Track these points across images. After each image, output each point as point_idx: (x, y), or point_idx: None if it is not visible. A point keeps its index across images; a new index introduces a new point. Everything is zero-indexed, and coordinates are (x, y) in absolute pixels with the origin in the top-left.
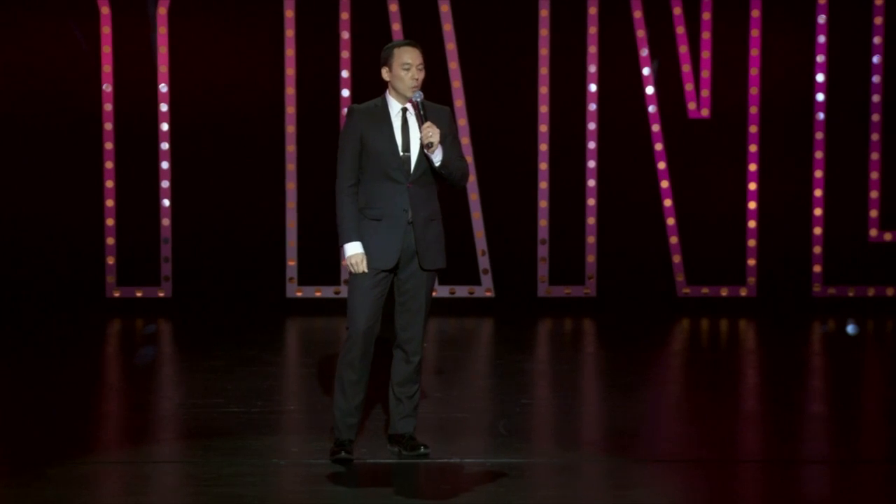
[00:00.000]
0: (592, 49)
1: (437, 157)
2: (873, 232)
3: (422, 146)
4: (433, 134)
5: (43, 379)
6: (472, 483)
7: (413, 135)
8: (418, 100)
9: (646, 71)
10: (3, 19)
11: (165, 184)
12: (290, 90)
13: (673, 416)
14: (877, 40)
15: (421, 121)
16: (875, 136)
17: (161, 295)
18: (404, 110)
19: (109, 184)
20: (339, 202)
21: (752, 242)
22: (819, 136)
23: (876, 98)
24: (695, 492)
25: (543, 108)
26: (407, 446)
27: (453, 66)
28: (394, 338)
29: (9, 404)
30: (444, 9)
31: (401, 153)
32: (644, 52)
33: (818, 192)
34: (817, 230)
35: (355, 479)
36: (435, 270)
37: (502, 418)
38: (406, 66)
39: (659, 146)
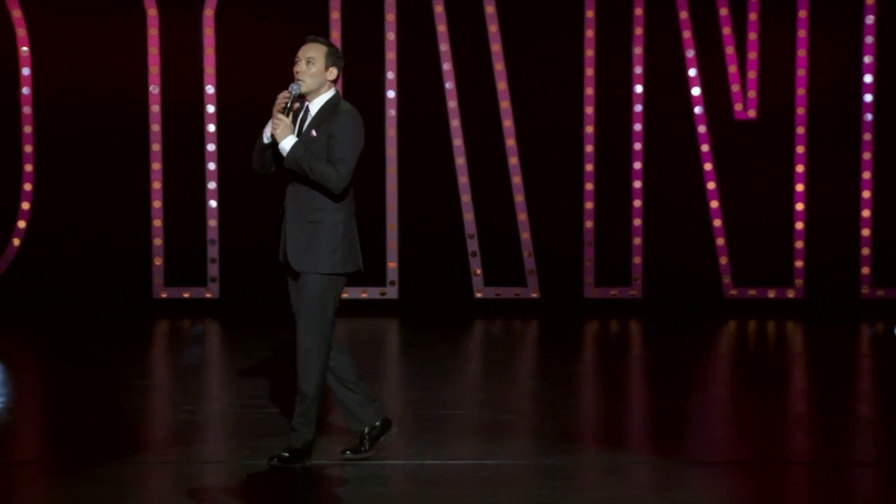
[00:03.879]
0: (638, 50)
1: (283, 150)
2: None
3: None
4: (275, 126)
5: (91, 380)
6: (518, 484)
7: (302, 129)
8: (294, 92)
9: (692, 72)
10: (50, 22)
11: (212, 185)
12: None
13: (719, 417)
14: None
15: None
16: None
17: (208, 296)
18: (307, 107)
19: (156, 185)
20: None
21: (799, 244)
22: (867, 137)
23: None
24: (741, 494)
25: (589, 110)
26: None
27: (499, 67)
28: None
29: (58, 405)
30: (490, 10)
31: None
32: (690, 53)
33: (866, 194)
34: (865, 232)
35: (401, 480)
36: (312, 275)
37: (548, 420)
38: (297, 59)
39: (705, 147)
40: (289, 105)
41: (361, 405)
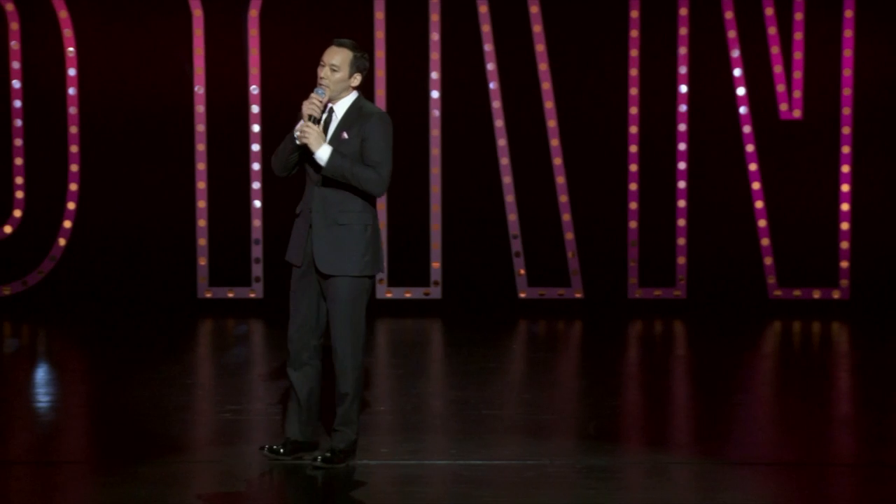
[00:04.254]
0: (683, 50)
1: (320, 159)
2: None
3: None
4: (306, 135)
5: (136, 379)
6: (561, 485)
7: (330, 134)
8: (321, 96)
9: (737, 72)
10: (96, 23)
11: (256, 185)
12: (380, 92)
13: (763, 419)
14: None
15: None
16: None
17: (252, 296)
18: (331, 109)
19: (201, 185)
20: (274, 156)
21: (844, 244)
22: None
23: None
24: (785, 496)
25: (633, 110)
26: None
27: (543, 67)
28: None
29: (103, 404)
30: (534, 10)
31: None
32: (735, 52)
33: None
34: None
35: (444, 479)
36: (343, 278)
37: (592, 420)
38: (321, 63)
39: (750, 148)
40: (318, 115)
41: (299, 415)
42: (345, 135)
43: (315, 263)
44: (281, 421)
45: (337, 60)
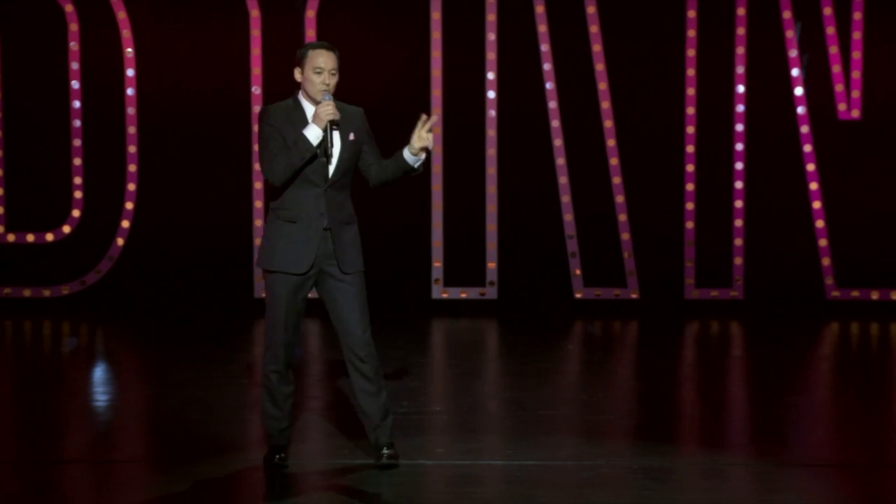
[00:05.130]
0: (740, 50)
1: (417, 162)
2: None
3: (338, 143)
4: (427, 139)
5: (192, 378)
6: (617, 486)
7: (335, 140)
8: (330, 100)
9: (795, 72)
10: (155, 23)
11: None
12: (437, 92)
13: (821, 420)
14: None
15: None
16: None
17: (308, 296)
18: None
19: (258, 185)
20: (275, 167)
21: None
22: None
23: None
24: (843, 498)
25: (690, 110)
26: (379, 456)
27: (599, 67)
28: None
29: (160, 403)
30: (591, 10)
31: (320, 157)
32: (793, 52)
33: None
34: None
35: (500, 480)
36: (359, 273)
37: (648, 421)
38: (318, 70)
39: (808, 148)
40: (338, 120)
41: (279, 419)
42: (352, 136)
43: (339, 264)
44: (339, 420)
45: (334, 64)
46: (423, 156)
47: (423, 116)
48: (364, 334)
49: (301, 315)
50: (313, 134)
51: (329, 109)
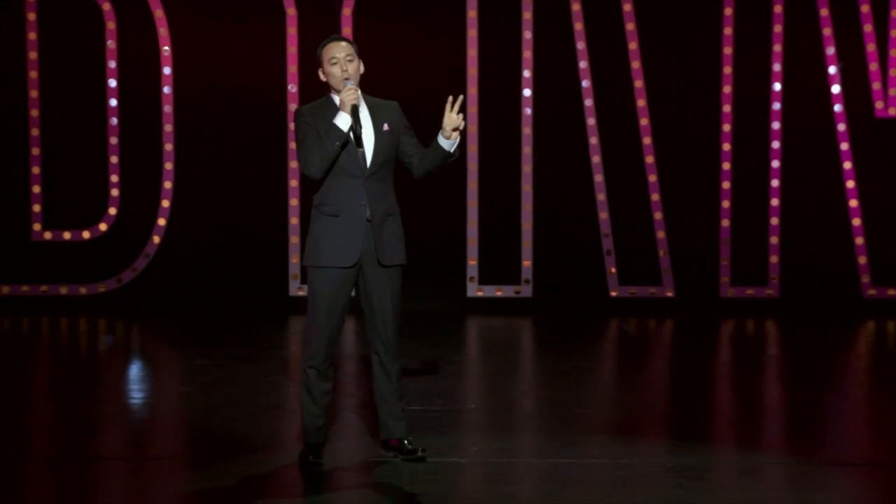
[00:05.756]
0: (777, 47)
1: (453, 146)
2: None
3: (373, 132)
4: (457, 119)
5: (228, 376)
6: (652, 484)
7: (366, 129)
8: (353, 85)
9: (832, 70)
10: (191, 21)
11: None
12: (472, 90)
13: (857, 419)
14: None
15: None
16: None
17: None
18: (355, 106)
19: (293, 183)
20: (311, 157)
21: None
22: None
23: None
24: (879, 497)
25: (727, 108)
26: (403, 450)
27: (636, 65)
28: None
29: (195, 400)
30: (627, 8)
31: (356, 148)
32: (830, 50)
33: None
34: None
35: (534, 478)
36: (398, 267)
37: (683, 419)
38: (333, 61)
39: (845, 146)
40: (359, 105)
41: (317, 417)
42: (385, 126)
43: (377, 255)
44: (371, 419)
45: (348, 51)
46: (457, 138)
47: (450, 98)
48: (387, 331)
49: (345, 312)
50: (343, 121)
51: (351, 93)
